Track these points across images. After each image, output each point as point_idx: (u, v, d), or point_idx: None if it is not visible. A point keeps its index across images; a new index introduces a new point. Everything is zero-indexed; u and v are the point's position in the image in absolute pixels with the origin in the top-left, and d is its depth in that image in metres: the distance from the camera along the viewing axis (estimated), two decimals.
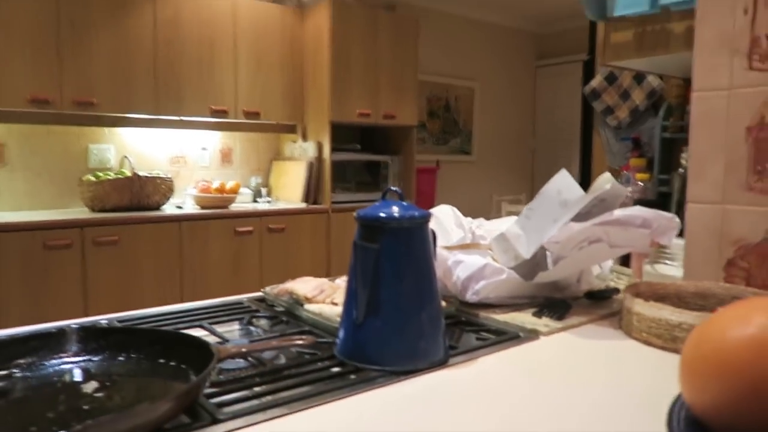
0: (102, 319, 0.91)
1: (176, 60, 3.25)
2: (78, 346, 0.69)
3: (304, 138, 3.81)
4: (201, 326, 0.91)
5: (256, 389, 0.65)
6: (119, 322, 0.91)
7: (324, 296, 0.98)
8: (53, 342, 0.68)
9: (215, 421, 0.57)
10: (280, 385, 0.66)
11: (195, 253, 3.12)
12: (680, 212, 1.09)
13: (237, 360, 0.74)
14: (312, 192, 3.65)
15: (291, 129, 3.93)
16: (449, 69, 5.10)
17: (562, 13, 5.14)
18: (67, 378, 0.64)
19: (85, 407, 0.58)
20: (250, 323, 0.95)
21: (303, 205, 3.58)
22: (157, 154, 3.53)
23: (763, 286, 0.97)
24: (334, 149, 3.65)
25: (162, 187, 3.21)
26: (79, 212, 3.03)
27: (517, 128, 5.74)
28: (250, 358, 0.75)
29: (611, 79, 2.50)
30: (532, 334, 0.88)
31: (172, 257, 3.05)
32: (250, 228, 3.30)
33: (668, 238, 0.97)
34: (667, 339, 0.81)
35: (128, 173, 3.10)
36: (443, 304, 0.91)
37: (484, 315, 0.96)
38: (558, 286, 1.08)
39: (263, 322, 0.96)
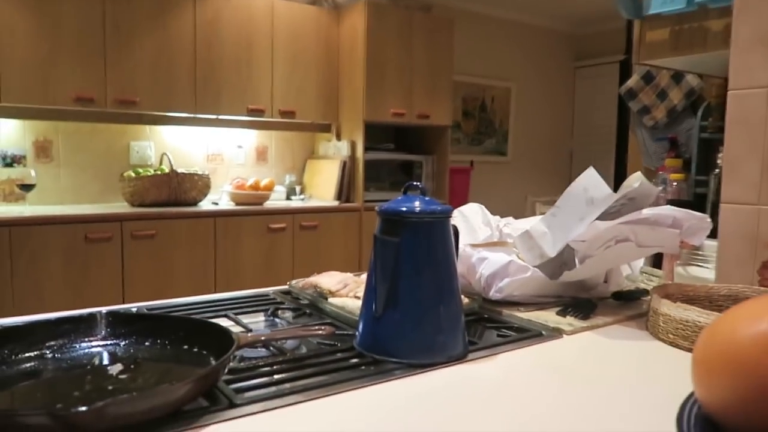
0: (132, 306, 0.94)
1: (215, 60, 3.32)
2: (107, 330, 0.72)
3: (338, 137, 3.84)
4: (227, 316, 0.93)
5: (275, 377, 0.66)
6: (149, 310, 0.94)
7: (348, 290, 0.99)
8: (84, 326, 0.71)
9: (233, 405, 0.58)
10: (299, 374, 0.67)
11: (229, 248, 3.18)
12: (715, 213, 1.06)
13: (259, 349, 0.76)
14: (345, 190, 3.67)
15: (326, 128, 3.97)
16: (485, 70, 5.07)
17: (599, 14, 5.05)
18: (95, 360, 0.67)
19: (110, 388, 0.60)
20: (274, 314, 0.97)
21: (335, 203, 3.61)
22: (195, 152, 3.61)
23: None
24: (367, 148, 3.67)
25: (199, 184, 3.28)
26: (120, 207, 3.12)
27: (554, 129, 5.66)
28: (271, 348, 0.76)
29: (648, 78, 2.44)
30: (555, 333, 0.87)
31: (206, 252, 3.11)
32: (283, 225, 3.35)
33: (699, 238, 0.94)
34: (694, 341, 0.79)
35: (167, 170, 3.18)
36: (465, 300, 0.91)
37: (507, 313, 0.96)
38: (585, 286, 1.06)
39: (287, 314, 0.97)
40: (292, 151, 3.98)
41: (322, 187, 3.79)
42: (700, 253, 1.17)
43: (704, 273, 1.16)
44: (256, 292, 1.09)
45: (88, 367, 0.66)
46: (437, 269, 0.74)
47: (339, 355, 0.74)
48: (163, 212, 3.02)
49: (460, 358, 0.74)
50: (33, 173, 2.88)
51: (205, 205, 3.32)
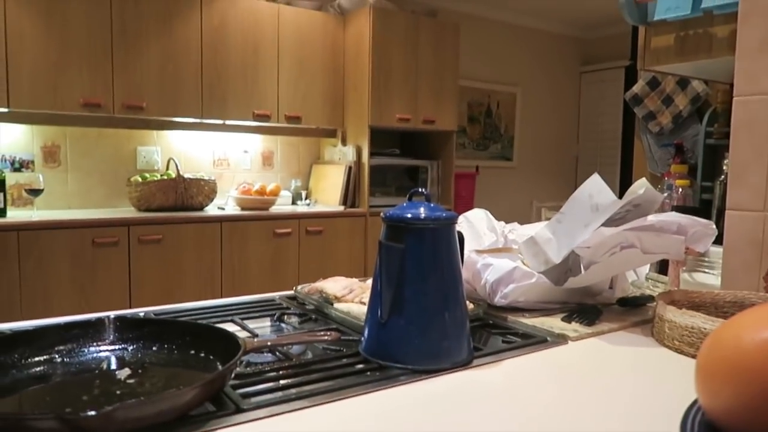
0: (140, 311, 0.95)
1: (221, 66, 3.34)
2: (115, 335, 0.72)
3: (344, 142, 3.85)
4: (233, 321, 0.93)
5: (281, 382, 0.67)
6: (156, 315, 0.94)
7: (353, 296, 0.99)
8: (92, 331, 0.72)
9: (239, 410, 0.59)
10: (304, 379, 0.68)
11: (235, 252, 3.19)
12: (720, 220, 1.06)
13: (265, 354, 0.76)
14: (350, 196, 3.68)
15: (331, 133, 3.98)
16: (491, 75, 5.07)
17: (605, 19, 5.05)
18: (103, 365, 0.68)
19: (118, 392, 0.61)
20: (280, 320, 0.97)
21: (341, 209, 3.62)
22: (202, 157, 3.63)
23: None
24: (373, 153, 3.68)
25: (205, 189, 3.30)
26: (127, 211, 3.14)
27: (560, 134, 5.66)
28: (277, 353, 0.77)
29: (654, 84, 2.44)
30: (560, 339, 0.87)
31: (212, 256, 3.13)
32: (288, 230, 3.36)
33: (704, 245, 0.94)
34: (700, 348, 0.79)
35: (174, 175, 3.20)
36: (470, 306, 0.91)
37: (512, 319, 0.96)
38: (590, 292, 1.06)
39: (293, 320, 0.98)
40: (298, 156, 4.00)
41: (328, 192, 3.80)
42: (705, 259, 1.17)
43: (710, 279, 1.16)
44: (262, 297, 1.10)
45: (97, 371, 0.66)
46: (442, 275, 0.75)
47: (344, 360, 0.75)
48: (170, 217, 3.03)
49: (465, 364, 0.74)
50: (41, 178, 2.90)
51: (212, 210, 3.33)
